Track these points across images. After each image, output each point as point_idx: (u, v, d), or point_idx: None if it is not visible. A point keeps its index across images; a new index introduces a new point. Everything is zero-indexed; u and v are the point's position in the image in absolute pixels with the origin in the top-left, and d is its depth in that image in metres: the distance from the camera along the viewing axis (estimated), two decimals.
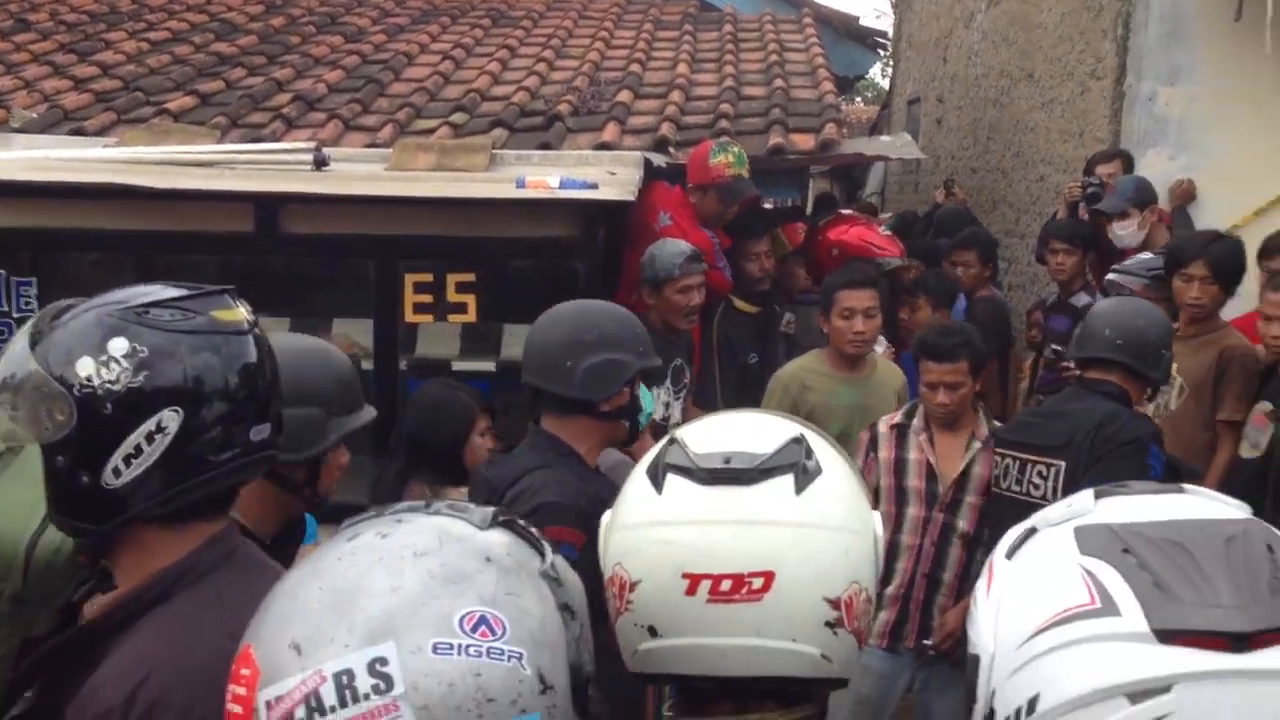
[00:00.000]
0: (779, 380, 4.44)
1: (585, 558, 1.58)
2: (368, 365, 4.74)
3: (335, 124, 5.97)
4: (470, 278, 4.66)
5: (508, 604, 1.13)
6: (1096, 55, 7.19)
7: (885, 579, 3.75)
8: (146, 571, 1.52)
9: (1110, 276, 5.10)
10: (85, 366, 1.44)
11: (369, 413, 2.46)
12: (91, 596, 1.62)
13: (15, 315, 4.65)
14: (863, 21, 10.47)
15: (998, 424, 3.97)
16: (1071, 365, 4.13)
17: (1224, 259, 4.40)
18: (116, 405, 1.43)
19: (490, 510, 1.25)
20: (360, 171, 4.96)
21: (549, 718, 1.11)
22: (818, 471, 1.34)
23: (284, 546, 2.30)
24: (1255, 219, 6.51)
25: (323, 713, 1.05)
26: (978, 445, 3.82)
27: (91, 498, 1.47)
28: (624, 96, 6.35)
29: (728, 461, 1.32)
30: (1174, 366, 4.36)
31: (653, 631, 1.30)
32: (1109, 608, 0.99)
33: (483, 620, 1.11)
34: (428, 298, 4.66)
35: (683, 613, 1.28)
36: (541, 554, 1.23)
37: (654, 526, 1.32)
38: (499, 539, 1.21)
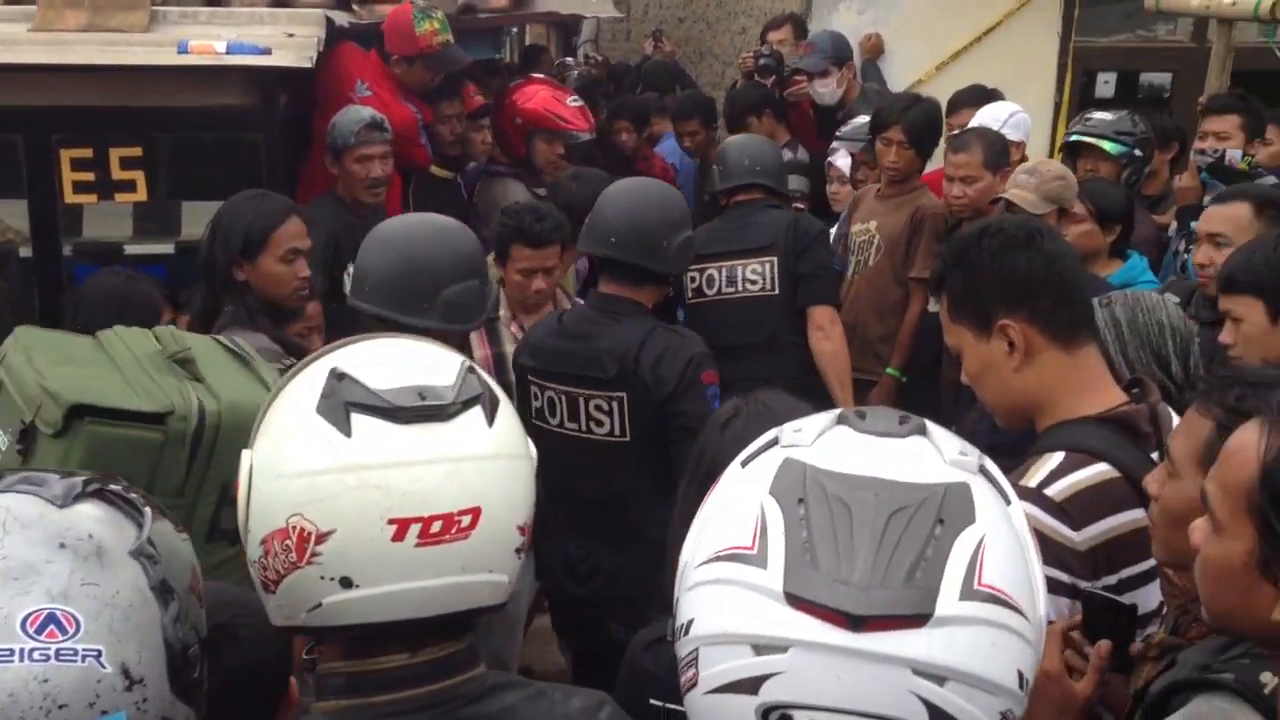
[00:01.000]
0: None
1: None
2: (26, 252, 4.31)
3: None
4: (136, 152, 4.25)
5: (83, 597, 1.02)
6: None
7: None
8: None
9: (834, 144, 5.32)
10: None
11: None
12: None
13: None
14: None
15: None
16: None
17: (919, 123, 4.57)
18: None
19: (78, 480, 1.12)
20: None
21: (138, 713, 1.02)
22: (498, 400, 1.33)
23: None
24: (937, 73, 6.85)
25: None
26: None
27: None
28: None
29: (422, 397, 1.26)
30: (873, 224, 4.59)
31: (346, 583, 1.23)
32: (760, 558, 1.02)
33: (51, 619, 1.00)
34: (89, 175, 4.22)
35: (389, 560, 1.23)
36: (139, 525, 1.12)
37: (348, 471, 1.23)
38: (87, 514, 1.08)
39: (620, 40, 12.67)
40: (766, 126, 5.55)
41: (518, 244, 3.63)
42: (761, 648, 1.00)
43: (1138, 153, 4.68)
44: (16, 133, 4.26)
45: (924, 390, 4.43)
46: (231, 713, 1.29)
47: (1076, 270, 2.03)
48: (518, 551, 1.32)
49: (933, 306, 4.41)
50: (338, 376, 1.27)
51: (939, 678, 0.98)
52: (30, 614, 0.99)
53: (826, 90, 5.81)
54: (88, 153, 4.22)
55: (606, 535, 3.18)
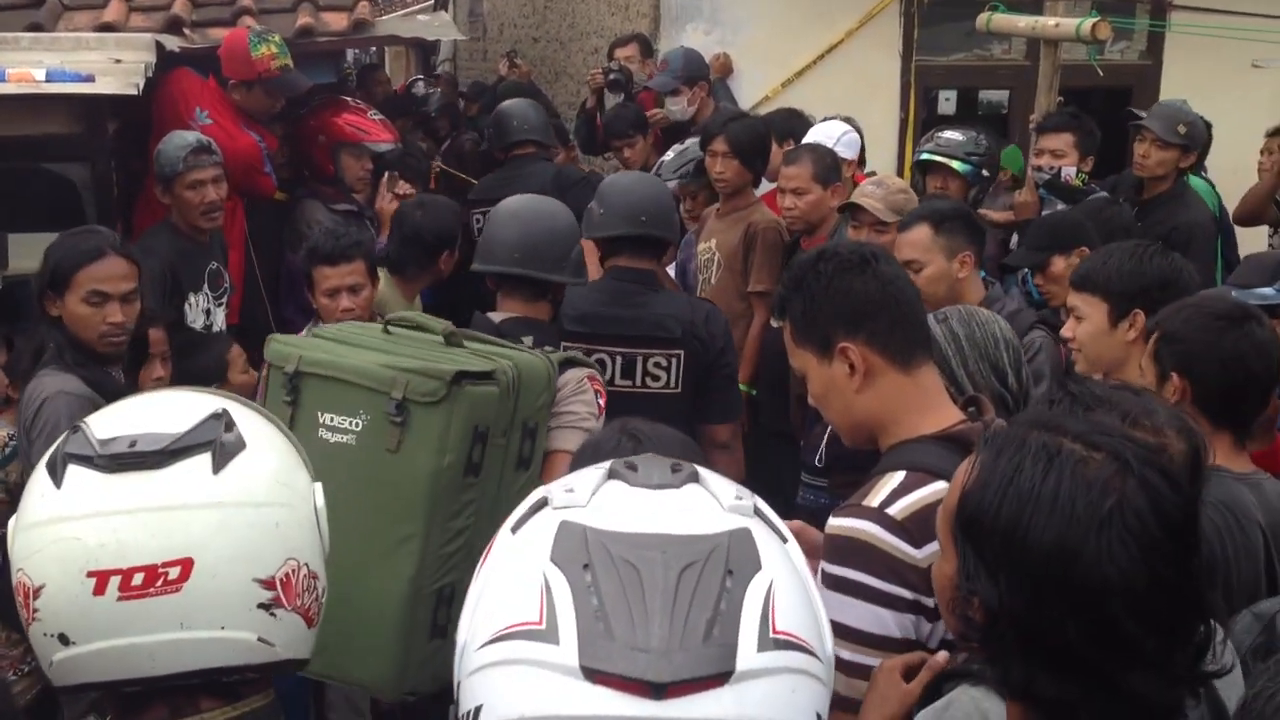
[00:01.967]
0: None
1: None
2: None
3: None
4: None
5: None
6: None
7: None
8: None
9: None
10: None
11: None
12: None
13: None
14: None
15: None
16: None
17: (741, 135, 4.62)
18: None
19: None
20: None
21: None
22: (240, 446, 1.26)
23: None
24: (783, 90, 6.97)
25: None
26: None
27: None
28: None
29: (133, 445, 1.21)
30: (713, 242, 4.63)
31: (64, 639, 1.19)
32: (551, 633, 0.96)
33: None
34: None
35: (94, 615, 1.18)
36: None
37: (53, 524, 1.20)
38: None
39: (478, 59, 12.63)
40: (640, 151, 5.61)
41: (318, 265, 3.59)
42: None
43: (984, 172, 4.86)
44: None
45: (772, 403, 4.46)
46: None
47: (911, 292, 2.06)
48: (265, 607, 1.24)
49: (774, 320, 4.48)
50: (74, 429, 1.26)
51: None
52: None
53: (677, 108, 5.91)
54: None
55: None
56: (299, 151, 5.20)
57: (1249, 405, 2.38)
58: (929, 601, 1.82)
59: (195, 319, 4.20)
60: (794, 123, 5.19)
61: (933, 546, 1.84)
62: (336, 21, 5.03)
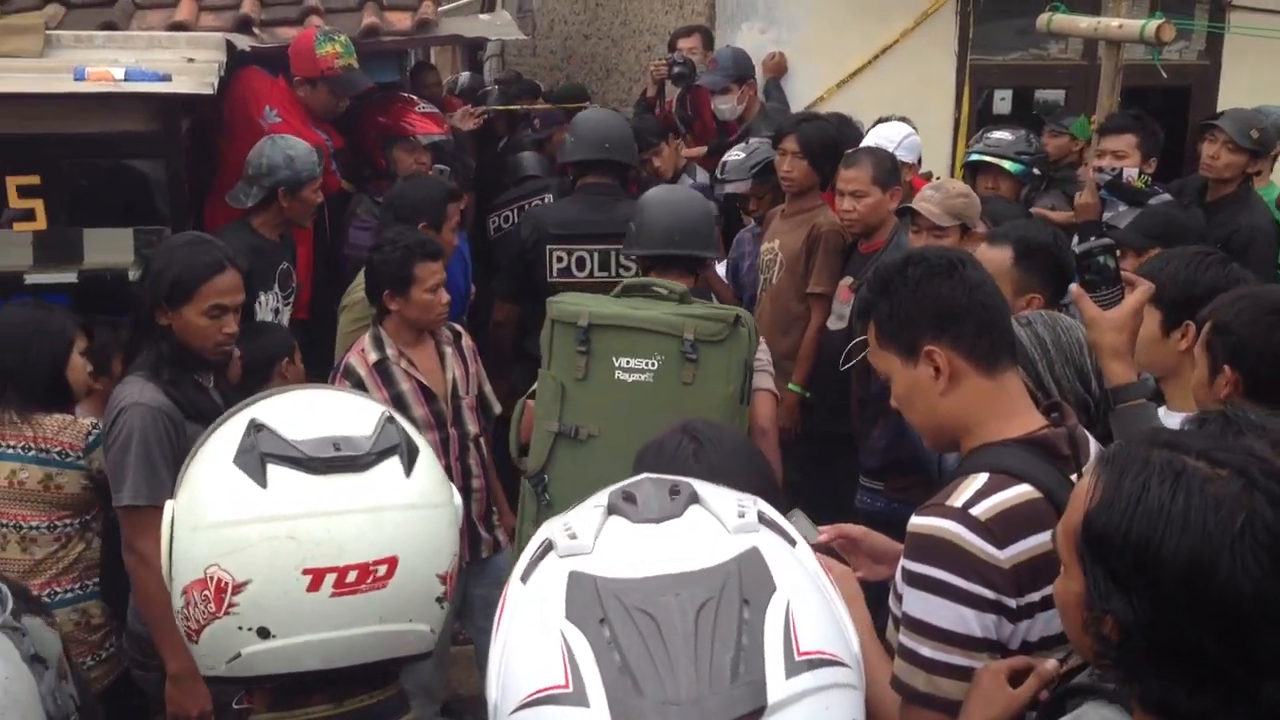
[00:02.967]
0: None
1: None
2: None
3: None
4: (34, 180, 4.12)
5: None
6: None
7: None
8: None
9: (717, 189, 5.31)
10: None
11: None
12: None
13: None
14: None
15: None
16: None
17: (812, 136, 4.63)
18: None
19: None
20: None
21: None
22: (417, 449, 1.34)
23: None
24: (838, 90, 6.97)
25: None
26: (447, 349, 3.79)
27: None
28: None
29: (337, 448, 1.28)
30: (776, 243, 4.65)
31: (263, 633, 1.24)
32: (579, 696, 0.94)
33: None
34: None
35: (304, 609, 1.24)
36: (2, 604, 1.12)
37: (263, 522, 1.25)
38: None
39: (526, 55, 12.66)
40: (668, 158, 5.62)
41: (421, 261, 3.61)
42: None
43: (1035, 171, 4.84)
44: None
45: (827, 405, 4.46)
46: None
47: (997, 297, 2.08)
48: (439, 600, 1.32)
49: (832, 324, 4.50)
50: (256, 428, 1.29)
51: None
52: None
53: (727, 107, 5.97)
54: None
55: None
56: (353, 147, 5.27)
57: None
58: (1010, 602, 1.84)
59: (264, 318, 4.27)
60: (845, 130, 5.18)
61: (1015, 548, 1.86)
62: (401, 21, 5.10)
